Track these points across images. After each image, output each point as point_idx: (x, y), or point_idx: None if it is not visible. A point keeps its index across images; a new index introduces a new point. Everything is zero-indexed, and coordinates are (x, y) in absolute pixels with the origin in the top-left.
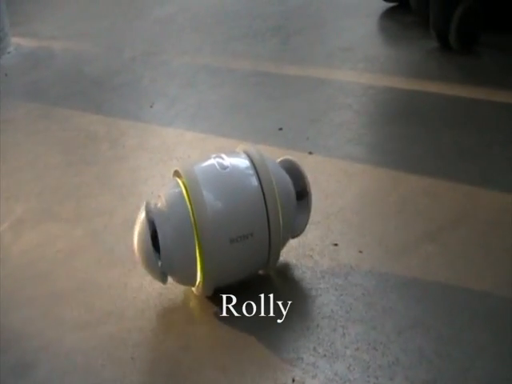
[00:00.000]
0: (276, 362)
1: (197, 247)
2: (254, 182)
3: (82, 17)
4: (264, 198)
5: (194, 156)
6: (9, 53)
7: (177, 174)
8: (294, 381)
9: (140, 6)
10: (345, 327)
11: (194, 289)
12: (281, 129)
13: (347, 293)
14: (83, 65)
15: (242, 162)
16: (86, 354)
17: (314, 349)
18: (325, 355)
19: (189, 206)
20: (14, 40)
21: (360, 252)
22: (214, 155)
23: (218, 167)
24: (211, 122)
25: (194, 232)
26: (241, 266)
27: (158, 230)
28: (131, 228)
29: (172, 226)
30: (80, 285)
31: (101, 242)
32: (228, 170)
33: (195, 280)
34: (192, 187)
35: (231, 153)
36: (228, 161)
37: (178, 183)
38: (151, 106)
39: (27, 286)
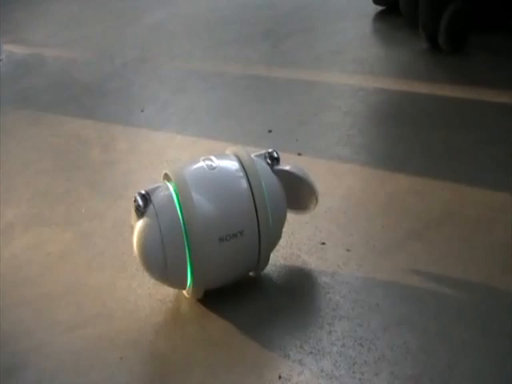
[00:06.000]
0: (263, 359)
1: (186, 248)
2: (243, 179)
3: (72, 23)
4: (253, 196)
5: (183, 159)
6: (0, 60)
7: (166, 176)
8: (280, 377)
9: (130, 12)
10: (331, 324)
11: (184, 292)
12: (270, 131)
13: (334, 291)
14: (74, 71)
15: (231, 163)
16: (76, 354)
17: (301, 346)
18: (311, 352)
19: (178, 209)
20: (5, 47)
21: (347, 251)
22: (203, 158)
23: (206, 168)
24: (201, 126)
25: (184, 234)
26: (231, 266)
27: None
28: (121, 231)
29: (162, 229)
30: (70, 287)
31: (91, 245)
32: (216, 170)
33: (186, 283)
34: (182, 189)
35: (220, 155)
36: (217, 162)
37: (167, 186)
38: (142, 111)
39: (18, 289)
